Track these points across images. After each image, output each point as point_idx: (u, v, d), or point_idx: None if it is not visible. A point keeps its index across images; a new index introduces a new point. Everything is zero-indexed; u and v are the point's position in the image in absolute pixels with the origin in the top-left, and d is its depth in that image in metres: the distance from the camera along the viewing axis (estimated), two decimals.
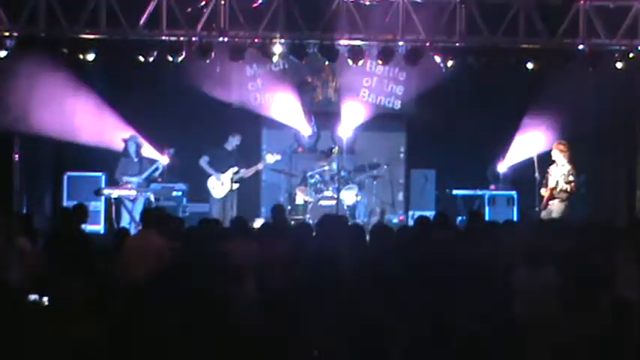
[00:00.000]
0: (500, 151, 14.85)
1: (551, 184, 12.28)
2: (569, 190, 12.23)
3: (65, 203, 13.83)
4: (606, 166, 14.85)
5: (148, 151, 14.08)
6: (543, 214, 12.32)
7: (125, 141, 13.67)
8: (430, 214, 11.59)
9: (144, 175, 13.49)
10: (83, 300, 5.72)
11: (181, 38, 12.70)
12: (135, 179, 13.41)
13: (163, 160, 13.95)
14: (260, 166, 14.19)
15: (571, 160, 12.34)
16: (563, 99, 13.81)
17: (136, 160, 13.60)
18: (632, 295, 6.82)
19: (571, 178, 12.25)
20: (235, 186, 13.67)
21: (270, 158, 14.08)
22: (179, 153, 14.21)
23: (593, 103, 13.77)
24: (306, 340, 5.49)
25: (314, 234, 8.60)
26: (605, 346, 5.48)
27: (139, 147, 13.73)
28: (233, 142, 13.79)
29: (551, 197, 12.30)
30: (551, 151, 12.49)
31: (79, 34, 12.59)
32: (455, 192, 14.89)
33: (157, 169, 13.69)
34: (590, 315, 5.84)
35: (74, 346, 5.32)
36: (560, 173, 12.27)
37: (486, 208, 14.61)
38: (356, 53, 13.01)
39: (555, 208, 12.26)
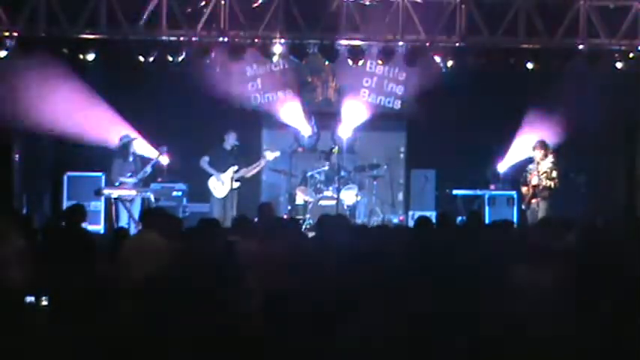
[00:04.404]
0: (500, 151, 14.86)
1: (534, 181, 12.48)
2: (552, 186, 12.45)
3: (65, 203, 13.82)
4: (606, 166, 14.86)
5: (145, 150, 14.06)
6: (528, 214, 12.60)
7: (126, 143, 13.61)
8: (430, 214, 11.60)
9: (139, 176, 13.44)
10: (83, 300, 5.72)
11: (181, 38, 12.71)
12: (130, 180, 13.35)
13: (163, 159, 13.93)
14: (262, 163, 14.13)
15: (552, 158, 12.51)
16: (563, 99, 13.82)
17: (130, 160, 13.56)
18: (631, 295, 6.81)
19: (554, 175, 12.47)
20: (236, 185, 13.66)
21: (270, 155, 14.03)
22: (178, 153, 14.20)
23: (593, 103, 13.78)
24: (306, 340, 5.49)
25: (305, 230, 8.58)
26: (606, 346, 5.48)
27: (135, 147, 13.72)
28: (230, 141, 13.75)
29: (534, 195, 12.52)
30: (533, 150, 12.71)
31: (79, 34, 12.60)
32: (455, 192, 14.90)
33: (152, 166, 13.61)
34: (591, 315, 5.84)
35: (74, 347, 5.32)
36: (541, 171, 12.47)
37: (486, 208, 14.62)
38: (356, 53, 13.03)
39: (540, 207, 12.47)
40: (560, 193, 12.87)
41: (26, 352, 5.24)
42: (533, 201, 12.58)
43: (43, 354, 5.27)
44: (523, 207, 12.87)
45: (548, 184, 12.46)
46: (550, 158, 12.57)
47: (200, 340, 5.45)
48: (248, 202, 14.54)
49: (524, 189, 12.76)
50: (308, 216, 13.92)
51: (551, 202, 12.61)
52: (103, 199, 13.88)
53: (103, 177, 14.21)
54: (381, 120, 15.60)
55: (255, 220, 10.09)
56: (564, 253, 7.42)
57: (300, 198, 14.46)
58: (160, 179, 14.36)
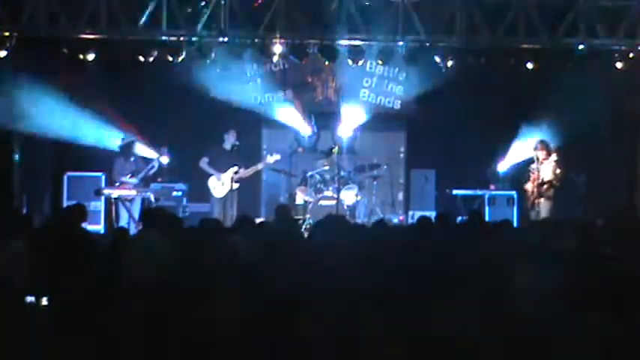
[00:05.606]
0: (500, 151, 14.86)
1: (545, 178, 12.55)
2: (558, 183, 12.51)
3: (65, 203, 13.83)
4: (606, 166, 14.87)
5: (146, 150, 14.08)
6: (532, 214, 12.62)
7: (128, 143, 13.63)
8: (430, 214, 11.60)
9: (140, 175, 13.47)
10: (83, 300, 5.72)
11: (181, 38, 12.71)
12: (132, 179, 13.38)
13: (163, 159, 13.94)
14: (260, 166, 14.15)
15: (555, 156, 12.59)
16: (563, 99, 13.83)
17: (132, 160, 13.59)
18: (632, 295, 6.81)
19: (558, 171, 12.53)
20: (235, 186, 13.67)
21: (270, 159, 14.06)
22: (178, 153, 14.21)
23: (592, 103, 13.79)
24: (307, 340, 5.49)
25: (305, 230, 8.58)
26: (606, 346, 5.48)
27: (136, 147, 13.75)
28: (230, 140, 13.75)
29: (540, 195, 12.55)
30: (535, 150, 12.81)
31: (79, 34, 12.61)
32: (455, 192, 14.90)
33: (152, 167, 13.66)
34: (591, 315, 5.83)
35: (74, 347, 5.31)
36: (546, 169, 12.52)
37: (486, 208, 14.62)
38: (356, 53, 13.03)
39: (543, 207, 12.51)
40: (560, 193, 12.89)
41: (26, 353, 5.23)
42: (537, 201, 12.58)
43: (43, 354, 5.27)
44: (528, 206, 12.87)
45: (554, 182, 12.55)
46: (554, 157, 12.66)
47: (200, 340, 5.45)
48: (248, 202, 14.56)
49: (528, 189, 12.74)
50: (308, 216, 13.91)
51: (555, 202, 12.61)
52: (103, 199, 13.90)
53: (103, 177, 14.23)
54: (381, 120, 15.60)
55: (258, 220, 10.08)
56: (564, 253, 7.42)
57: (300, 198, 14.45)
58: (159, 179, 14.37)
